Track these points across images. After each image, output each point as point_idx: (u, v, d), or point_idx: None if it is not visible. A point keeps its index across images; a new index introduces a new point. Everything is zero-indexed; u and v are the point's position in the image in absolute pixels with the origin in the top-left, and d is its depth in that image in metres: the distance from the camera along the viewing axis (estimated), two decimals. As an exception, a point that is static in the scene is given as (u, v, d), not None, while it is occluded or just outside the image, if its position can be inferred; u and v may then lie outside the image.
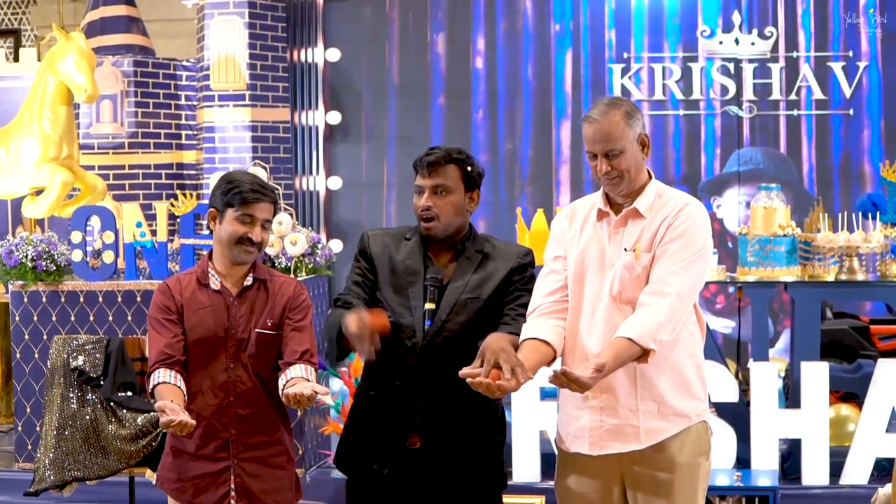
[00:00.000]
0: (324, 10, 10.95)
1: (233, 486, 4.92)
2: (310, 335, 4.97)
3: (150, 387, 4.86)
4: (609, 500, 4.57)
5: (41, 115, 9.57)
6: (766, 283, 8.10)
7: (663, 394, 4.46)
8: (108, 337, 7.43)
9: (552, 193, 10.65)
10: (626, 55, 10.55)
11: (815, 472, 7.76)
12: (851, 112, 10.30)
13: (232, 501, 4.91)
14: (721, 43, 10.39)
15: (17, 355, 8.69)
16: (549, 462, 7.19)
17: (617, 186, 4.51)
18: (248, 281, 4.97)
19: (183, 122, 10.97)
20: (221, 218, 4.91)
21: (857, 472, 7.77)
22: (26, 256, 8.53)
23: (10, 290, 8.77)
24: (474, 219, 4.95)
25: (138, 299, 8.47)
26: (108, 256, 8.55)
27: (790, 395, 8.10)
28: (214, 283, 4.95)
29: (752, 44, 10.34)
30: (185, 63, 11.01)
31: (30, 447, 8.60)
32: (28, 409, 8.68)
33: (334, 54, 10.95)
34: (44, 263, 8.55)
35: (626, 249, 4.48)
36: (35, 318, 8.63)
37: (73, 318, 8.56)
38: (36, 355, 8.60)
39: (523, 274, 4.80)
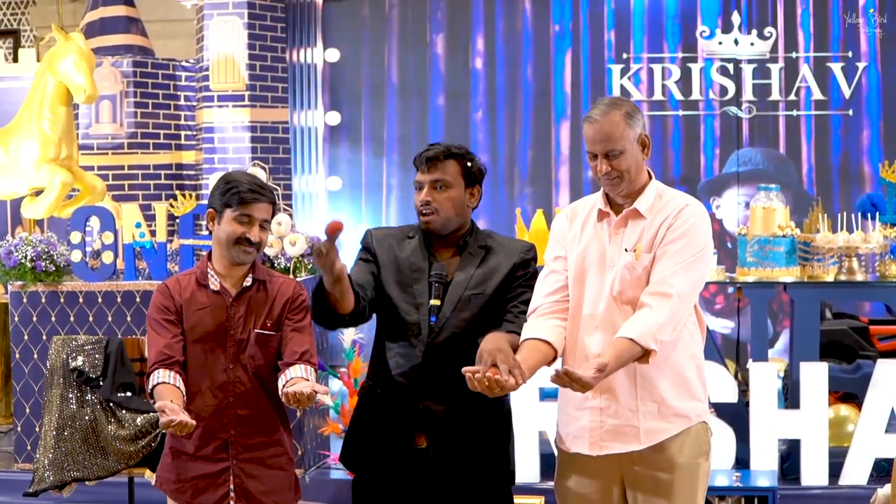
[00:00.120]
0: (323, 11, 10.95)
1: (232, 486, 4.91)
2: (309, 336, 4.96)
3: (150, 387, 4.86)
4: (609, 500, 4.57)
5: (40, 115, 9.57)
6: (765, 283, 8.10)
7: (663, 394, 4.46)
8: (108, 337, 7.43)
9: (551, 194, 10.66)
10: (625, 56, 10.55)
11: (814, 472, 7.76)
12: (851, 112, 10.30)
13: (231, 502, 4.91)
14: (720, 43, 10.39)
15: (17, 356, 8.69)
16: (549, 462, 7.20)
17: (617, 187, 4.51)
18: (248, 281, 4.96)
19: (182, 122, 10.97)
20: (220, 218, 4.91)
21: (856, 473, 7.77)
22: (26, 257, 8.53)
23: (9, 290, 8.77)
24: (474, 218, 4.94)
25: (137, 300, 8.47)
26: (107, 257, 8.55)
27: (789, 396, 8.10)
28: (214, 284, 4.95)
29: (752, 44, 10.34)
30: (184, 63, 11.01)
31: (29, 448, 8.60)
32: (27, 410, 8.68)
33: (333, 55, 10.95)
34: (43, 264, 8.55)
35: (626, 250, 4.48)
36: (34, 319, 8.63)
37: (72, 319, 8.56)
38: (35, 356, 8.60)
39: (527, 269, 4.79)
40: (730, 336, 10.34)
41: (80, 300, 8.57)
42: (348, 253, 10.47)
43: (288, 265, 8.50)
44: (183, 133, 10.96)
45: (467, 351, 4.48)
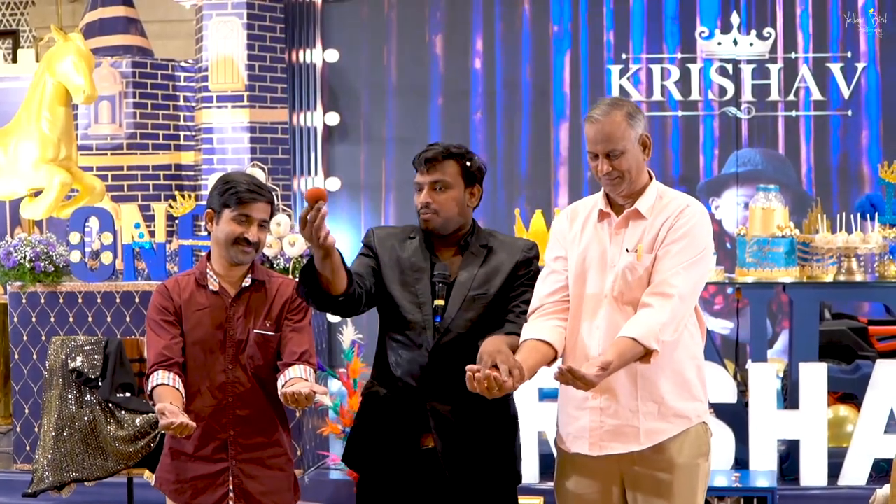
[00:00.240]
0: (322, 11, 10.94)
1: (231, 487, 4.92)
2: (309, 336, 4.96)
3: (149, 389, 4.86)
4: (608, 500, 4.57)
5: (39, 116, 9.56)
6: (764, 283, 8.10)
7: (664, 395, 4.47)
8: (107, 338, 7.43)
9: (550, 194, 10.65)
10: (624, 56, 10.55)
11: (813, 472, 7.77)
12: (850, 113, 10.30)
13: (230, 502, 4.91)
14: (719, 44, 10.39)
15: (16, 356, 8.69)
16: (548, 463, 7.20)
17: (618, 187, 4.51)
18: (247, 282, 4.97)
19: (181, 123, 10.96)
20: (218, 218, 4.91)
21: (855, 473, 7.77)
22: (25, 257, 8.53)
23: (8, 291, 8.78)
24: (473, 218, 4.93)
25: (137, 300, 8.47)
26: (106, 257, 8.55)
27: (788, 396, 8.11)
28: (213, 285, 4.95)
29: (751, 45, 10.34)
30: (183, 64, 11.01)
31: (28, 448, 8.60)
32: (26, 410, 8.68)
33: (333, 55, 10.95)
34: (42, 264, 8.55)
35: (627, 250, 4.48)
36: (33, 319, 8.63)
37: (71, 319, 8.56)
38: (34, 356, 8.60)
39: (529, 268, 4.78)
40: (729, 336, 10.34)
41: (79, 301, 8.57)
42: (350, 253, 10.48)
43: (287, 266, 8.50)
44: (182, 133, 10.96)
45: (472, 351, 4.47)
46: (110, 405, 7.03)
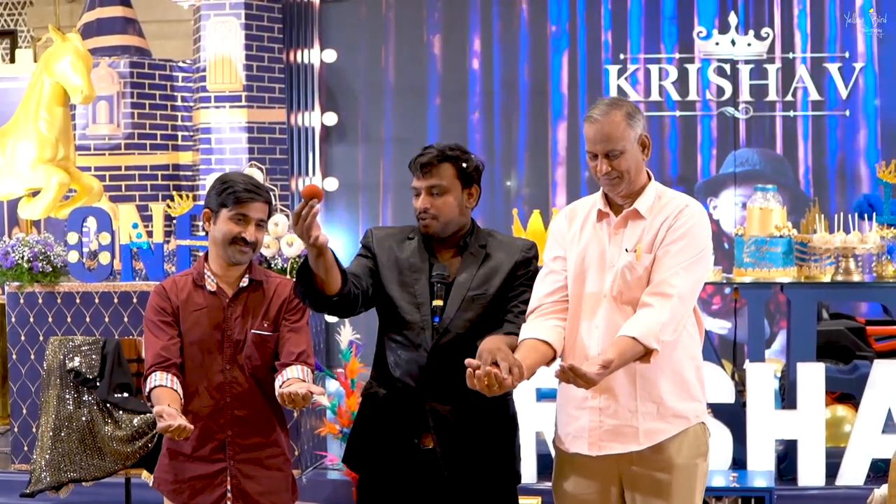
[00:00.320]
0: (320, 12, 10.95)
1: (229, 487, 4.92)
2: (306, 336, 4.96)
3: (147, 390, 4.86)
4: (607, 500, 4.57)
5: (37, 116, 9.55)
6: (762, 284, 8.11)
7: (663, 395, 4.47)
8: (105, 338, 7.42)
9: (548, 194, 10.66)
10: (622, 56, 10.55)
11: (811, 472, 7.77)
12: (847, 113, 10.30)
13: (228, 502, 4.91)
14: (717, 44, 10.39)
15: (14, 356, 8.69)
16: (546, 463, 7.21)
17: (617, 187, 4.51)
18: (244, 282, 4.97)
19: (179, 123, 10.96)
20: (216, 218, 4.91)
21: (853, 473, 7.78)
22: (22, 258, 8.53)
23: (6, 291, 8.77)
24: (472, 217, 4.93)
25: (134, 300, 8.47)
26: (104, 258, 8.55)
27: (786, 396, 8.11)
28: (210, 285, 4.95)
29: (749, 45, 10.34)
30: (181, 64, 11.00)
31: (26, 448, 8.60)
32: (24, 411, 8.68)
33: (330, 55, 10.95)
34: (40, 264, 8.55)
35: (627, 250, 4.48)
36: (31, 320, 8.63)
37: (69, 320, 8.56)
38: (32, 356, 8.60)
39: (528, 268, 4.78)
40: (727, 336, 10.34)
41: (77, 301, 8.57)
42: (348, 252, 10.47)
43: (285, 266, 8.50)
44: (180, 134, 10.95)
45: (471, 351, 4.45)
46: (108, 405, 7.02)
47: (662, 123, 10.50)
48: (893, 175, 8.50)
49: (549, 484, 4.80)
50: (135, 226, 8.64)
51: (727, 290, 10.10)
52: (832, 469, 7.80)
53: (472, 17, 10.83)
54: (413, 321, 4.72)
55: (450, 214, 4.76)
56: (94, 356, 7.12)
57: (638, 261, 4.46)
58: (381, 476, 4.80)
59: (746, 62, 10.36)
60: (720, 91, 10.41)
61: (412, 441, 4.73)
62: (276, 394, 4.79)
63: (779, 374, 8.62)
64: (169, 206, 9.13)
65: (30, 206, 9.67)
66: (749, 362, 8.09)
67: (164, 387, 4.81)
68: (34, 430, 8.26)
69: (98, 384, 7.05)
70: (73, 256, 8.54)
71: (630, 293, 4.45)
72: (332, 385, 8.87)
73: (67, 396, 7.07)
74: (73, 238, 8.57)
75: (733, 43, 10.36)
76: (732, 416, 7.85)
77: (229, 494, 4.92)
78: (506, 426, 4.84)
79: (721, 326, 10.45)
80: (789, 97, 10.34)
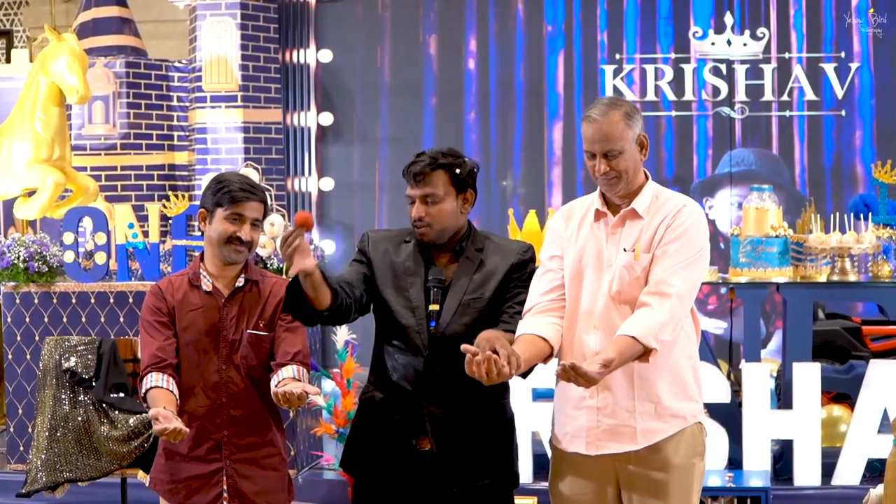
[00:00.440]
0: (316, 12, 10.95)
1: (225, 487, 4.92)
2: (302, 336, 4.96)
3: (143, 391, 4.86)
4: (604, 500, 4.57)
5: (33, 116, 9.55)
6: (758, 283, 8.11)
7: (661, 395, 4.47)
8: (100, 338, 7.42)
9: (544, 194, 10.66)
10: (618, 56, 10.56)
11: (807, 472, 7.77)
12: (843, 113, 10.31)
13: (224, 502, 4.91)
14: (713, 44, 10.39)
15: (9, 356, 8.68)
16: (542, 463, 7.20)
17: (614, 187, 4.51)
18: (240, 282, 4.96)
19: (175, 123, 10.95)
20: (211, 218, 4.91)
21: (848, 473, 7.78)
22: (18, 257, 8.52)
23: (2, 291, 8.77)
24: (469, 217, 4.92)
25: (130, 300, 8.47)
26: (100, 257, 8.55)
27: (782, 396, 8.11)
28: (206, 285, 4.95)
29: (744, 45, 10.35)
30: (177, 64, 11.00)
31: (22, 448, 8.60)
32: (20, 411, 8.67)
33: (326, 55, 10.95)
34: (36, 264, 8.54)
35: (625, 250, 4.48)
36: (27, 320, 8.63)
37: (65, 320, 8.56)
38: (28, 356, 8.59)
39: (524, 270, 4.75)
40: (722, 336, 10.35)
41: (73, 301, 8.56)
42: (343, 253, 10.47)
43: (281, 266, 8.50)
44: (176, 134, 10.95)
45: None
46: (104, 405, 7.02)
47: (658, 123, 10.50)
48: (889, 175, 8.50)
49: (546, 484, 4.80)
50: (130, 226, 8.64)
51: (723, 290, 10.10)
52: (828, 469, 7.80)
53: (468, 17, 10.83)
54: (408, 325, 4.71)
55: (445, 222, 4.74)
56: (89, 356, 7.12)
57: (636, 260, 4.46)
58: (378, 479, 4.79)
59: (742, 62, 10.37)
60: (716, 91, 10.42)
61: (409, 444, 4.72)
62: (272, 393, 4.79)
63: (775, 374, 8.63)
64: (165, 206, 9.12)
65: (26, 206, 9.66)
66: (745, 362, 8.10)
67: (159, 388, 4.80)
68: (30, 430, 8.25)
69: (94, 384, 7.05)
70: (68, 256, 8.54)
71: (628, 293, 4.45)
72: (328, 385, 8.87)
73: (63, 396, 7.07)
74: (68, 238, 8.56)
75: (729, 43, 10.37)
76: (728, 416, 7.85)
77: (225, 494, 4.91)
78: (503, 429, 4.84)
79: (717, 326, 10.45)
80: (785, 97, 10.35)
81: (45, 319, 8.58)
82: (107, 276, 8.59)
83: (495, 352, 4.21)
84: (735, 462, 7.81)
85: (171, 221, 8.75)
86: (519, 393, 7.55)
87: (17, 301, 8.64)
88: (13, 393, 8.69)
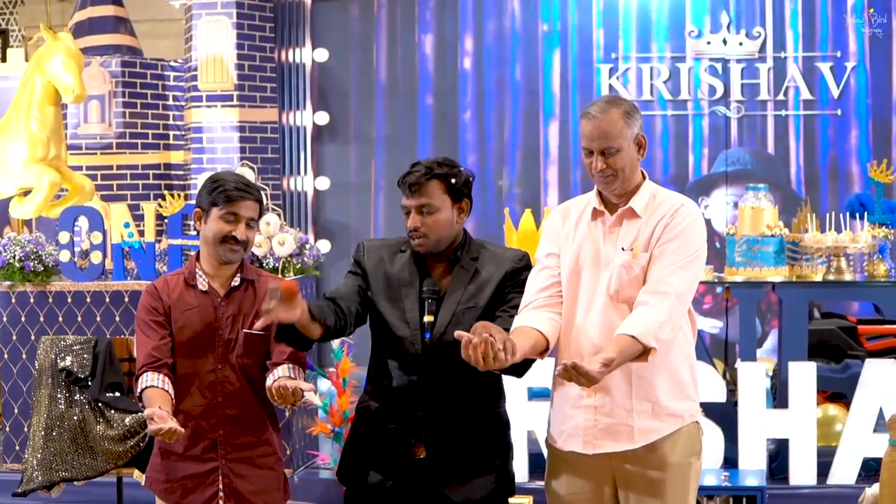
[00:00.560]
0: (311, 11, 10.94)
1: (221, 486, 4.91)
2: (298, 335, 4.95)
3: (138, 390, 4.85)
4: (600, 499, 4.57)
5: (29, 115, 9.54)
6: (753, 283, 8.11)
7: (658, 394, 4.47)
8: (96, 337, 7.42)
9: (540, 194, 10.66)
10: (614, 55, 10.55)
11: (802, 471, 7.77)
12: (839, 112, 10.31)
13: (220, 502, 4.91)
14: (709, 43, 10.40)
15: (5, 356, 8.67)
16: (538, 462, 7.20)
17: (611, 185, 4.51)
18: (236, 281, 4.96)
19: (171, 122, 10.95)
20: (206, 217, 4.91)
21: (844, 472, 7.78)
22: (14, 257, 8.51)
23: (-3, 290, 8.77)
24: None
25: (126, 300, 8.46)
26: (95, 257, 8.54)
27: (778, 396, 8.11)
28: (202, 284, 4.94)
29: (740, 44, 10.35)
30: (172, 63, 11.00)
31: (18, 448, 8.59)
32: (16, 410, 8.66)
33: (322, 55, 10.95)
34: (31, 264, 8.54)
35: (623, 249, 4.48)
36: (23, 319, 8.62)
37: (60, 319, 8.55)
38: (24, 356, 8.59)
39: (518, 278, 4.73)
40: (718, 336, 10.35)
41: (69, 300, 8.56)
42: (338, 253, 10.46)
43: (276, 265, 8.50)
44: (171, 133, 10.95)
45: (463, 364, 4.35)
46: (100, 405, 7.02)
47: (654, 123, 10.50)
48: (885, 174, 8.50)
49: (541, 483, 4.80)
50: (126, 225, 8.63)
51: (718, 290, 10.10)
52: (823, 468, 7.80)
53: (463, 16, 10.83)
54: (403, 336, 4.71)
55: (441, 232, 4.72)
56: (85, 355, 7.12)
57: (634, 259, 4.46)
58: (373, 486, 4.78)
59: (738, 61, 10.37)
60: (712, 90, 10.42)
61: (404, 451, 4.72)
62: (266, 389, 4.79)
63: (770, 374, 8.63)
64: (160, 206, 9.12)
65: (21, 206, 9.66)
66: (740, 361, 8.10)
67: (155, 387, 4.80)
68: (26, 429, 8.26)
69: (90, 383, 7.05)
70: (64, 256, 8.53)
71: (626, 292, 4.45)
72: (324, 384, 8.87)
73: (59, 396, 7.07)
74: (64, 237, 8.56)
75: (725, 42, 10.37)
76: (724, 415, 7.84)
77: (221, 493, 4.91)
78: (499, 437, 4.82)
79: (712, 326, 10.45)
80: (781, 96, 10.35)
81: (41, 319, 8.58)
82: (102, 275, 8.58)
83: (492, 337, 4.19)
84: (730, 461, 7.80)
85: (166, 221, 8.74)
86: (514, 392, 7.55)
87: (13, 300, 8.63)
88: (9, 392, 8.69)
